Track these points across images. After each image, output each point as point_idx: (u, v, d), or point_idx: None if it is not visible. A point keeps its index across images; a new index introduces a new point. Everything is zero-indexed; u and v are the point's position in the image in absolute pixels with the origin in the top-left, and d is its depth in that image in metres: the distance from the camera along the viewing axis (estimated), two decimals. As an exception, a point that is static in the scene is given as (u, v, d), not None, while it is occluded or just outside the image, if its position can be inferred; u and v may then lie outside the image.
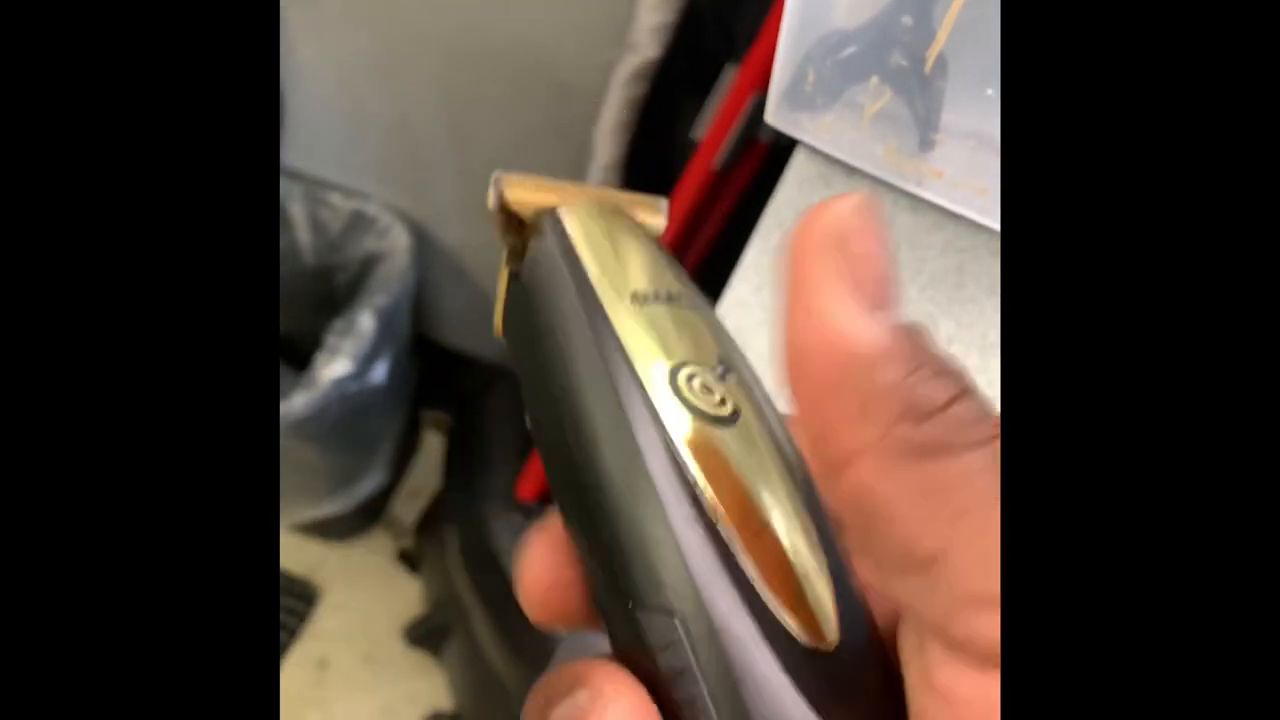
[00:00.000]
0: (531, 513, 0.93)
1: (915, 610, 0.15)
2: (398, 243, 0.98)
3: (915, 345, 0.15)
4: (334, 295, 1.02)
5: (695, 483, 0.16)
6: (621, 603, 0.16)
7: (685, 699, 0.16)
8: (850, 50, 0.28)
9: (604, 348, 0.17)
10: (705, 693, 0.16)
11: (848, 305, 0.15)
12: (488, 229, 1.04)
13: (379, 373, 0.94)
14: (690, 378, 0.17)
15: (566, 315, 0.18)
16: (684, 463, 0.16)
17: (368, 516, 1.10)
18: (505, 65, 0.86)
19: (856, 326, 0.15)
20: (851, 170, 0.42)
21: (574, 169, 0.86)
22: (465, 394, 1.07)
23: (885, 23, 0.28)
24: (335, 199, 0.99)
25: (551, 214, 0.19)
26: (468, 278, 1.04)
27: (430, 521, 1.06)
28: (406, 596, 1.08)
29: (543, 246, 0.19)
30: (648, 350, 0.17)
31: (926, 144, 0.28)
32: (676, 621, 0.16)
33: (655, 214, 0.21)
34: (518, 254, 0.19)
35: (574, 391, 0.17)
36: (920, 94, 0.27)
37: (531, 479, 0.90)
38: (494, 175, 0.19)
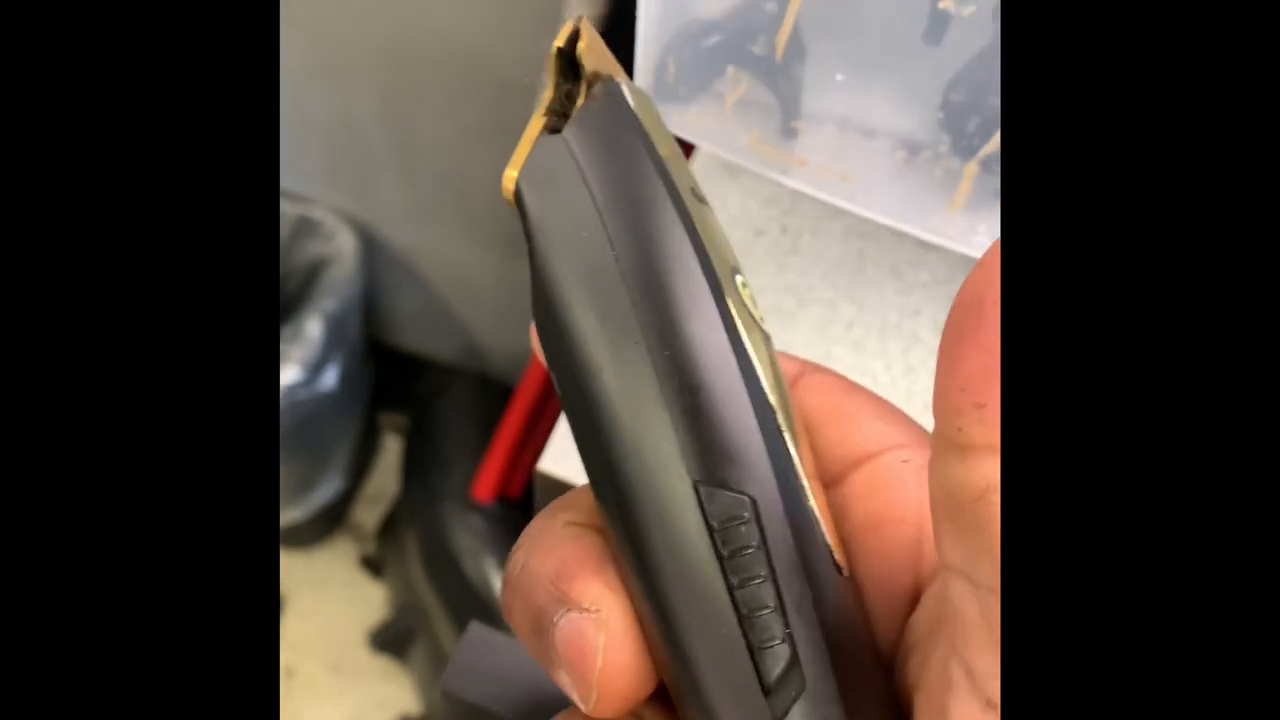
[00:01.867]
0: (489, 514, 0.93)
1: (973, 638, 0.13)
2: (345, 246, 0.97)
3: None
4: (281, 302, 1.01)
5: (763, 383, 0.16)
6: (681, 476, 0.15)
7: (742, 579, 0.15)
8: (714, 39, 0.28)
9: (688, 232, 0.16)
10: (771, 572, 0.15)
11: None
12: (437, 230, 1.04)
13: (329, 378, 0.93)
14: (743, 285, 0.17)
15: (643, 186, 0.16)
16: (751, 360, 0.16)
17: (329, 523, 1.10)
18: (443, 64, 0.86)
19: None
20: (753, 158, 0.42)
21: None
22: (421, 396, 1.07)
23: (748, 10, 0.28)
24: (280, 204, 0.98)
25: (613, 81, 0.17)
26: (419, 279, 1.04)
27: (391, 526, 1.06)
28: (371, 602, 1.08)
29: (603, 109, 0.17)
30: (717, 246, 0.16)
31: (789, 132, 0.28)
32: (748, 499, 0.15)
33: None
34: (558, 110, 0.18)
35: (649, 269, 0.16)
36: (779, 81, 0.27)
37: (487, 479, 0.90)
38: (576, 15, 0.18)
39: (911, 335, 0.38)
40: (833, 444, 0.18)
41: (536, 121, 0.17)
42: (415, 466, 1.01)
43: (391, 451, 1.16)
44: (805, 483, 0.16)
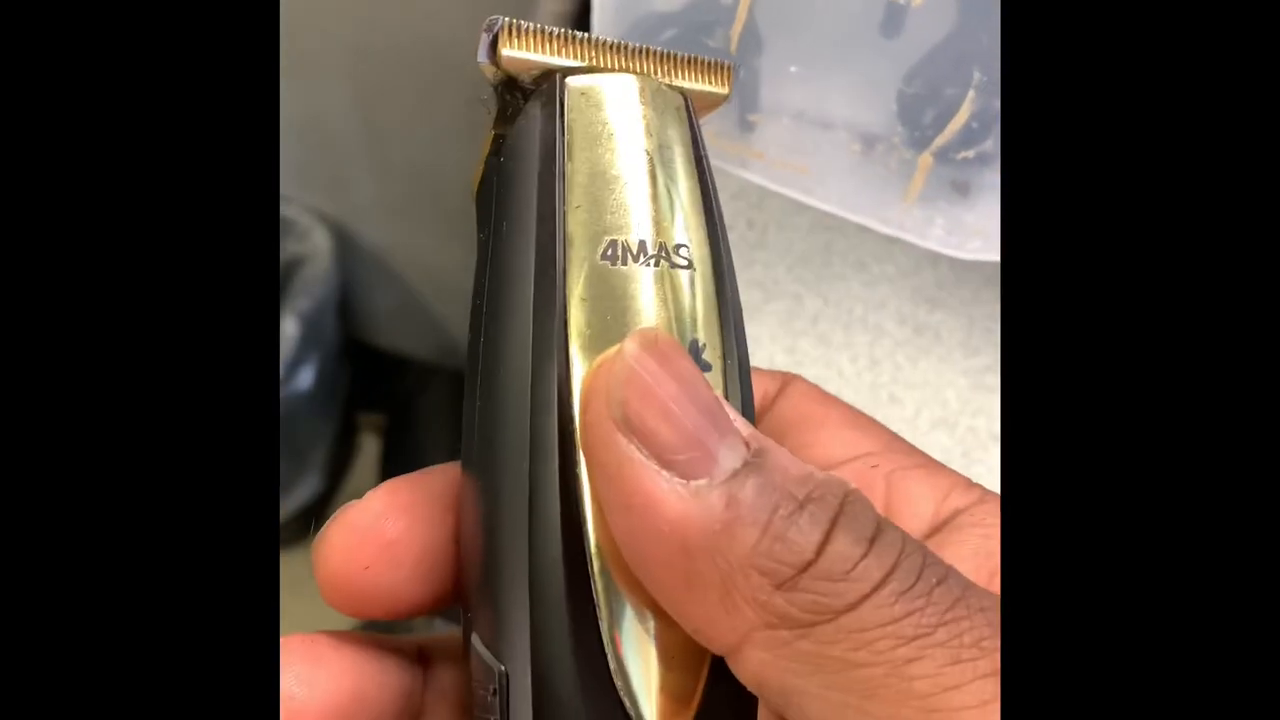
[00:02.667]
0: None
1: None
2: (319, 245, 0.96)
3: (763, 485, 0.12)
4: (256, 302, 1.00)
5: (584, 519, 0.14)
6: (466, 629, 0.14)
7: None
8: (670, 33, 0.28)
9: (543, 314, 0.14)
10: None
11: (660, 487, 0.12)
12: (412, 228, 1.04)
13: (305, 378, 0.93)
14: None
15: (521, 255, 0.14)
16: (579, 488, 0.13)
17: (307, 524, 1.09)
18: (413, 61, 0.85)
19: (680, 507, 0.12)
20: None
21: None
22: (399, 395, 1.07)
23: (705, 3, 0.28)
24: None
25: (553, 85, 0.14)
26: (395, 277, 1.03)
27: (370, 525, 1.05)
28: (351, 602, 1.07)
29: (526, 136, 0.14)
30: (586, 336, 0.14)
31: (746, 125, 0.28)
32: (501, 671, 0.13)
33: (714, 83, 0.16)
34: (506, 117, 0.15)
35: (501, 371, 0.14)
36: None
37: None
38: (488, 20, 0.15)
39: (877, 328, 0.39)
40: (801, 448, 0.17)
41: (488, 138, 0.16)
42: (394, 466, 1.01)
43: (370, 451, 1.15)
44: (611, 654, 0.14)
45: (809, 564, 0.12)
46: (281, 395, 0.90)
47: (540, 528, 0.13)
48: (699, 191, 0.15)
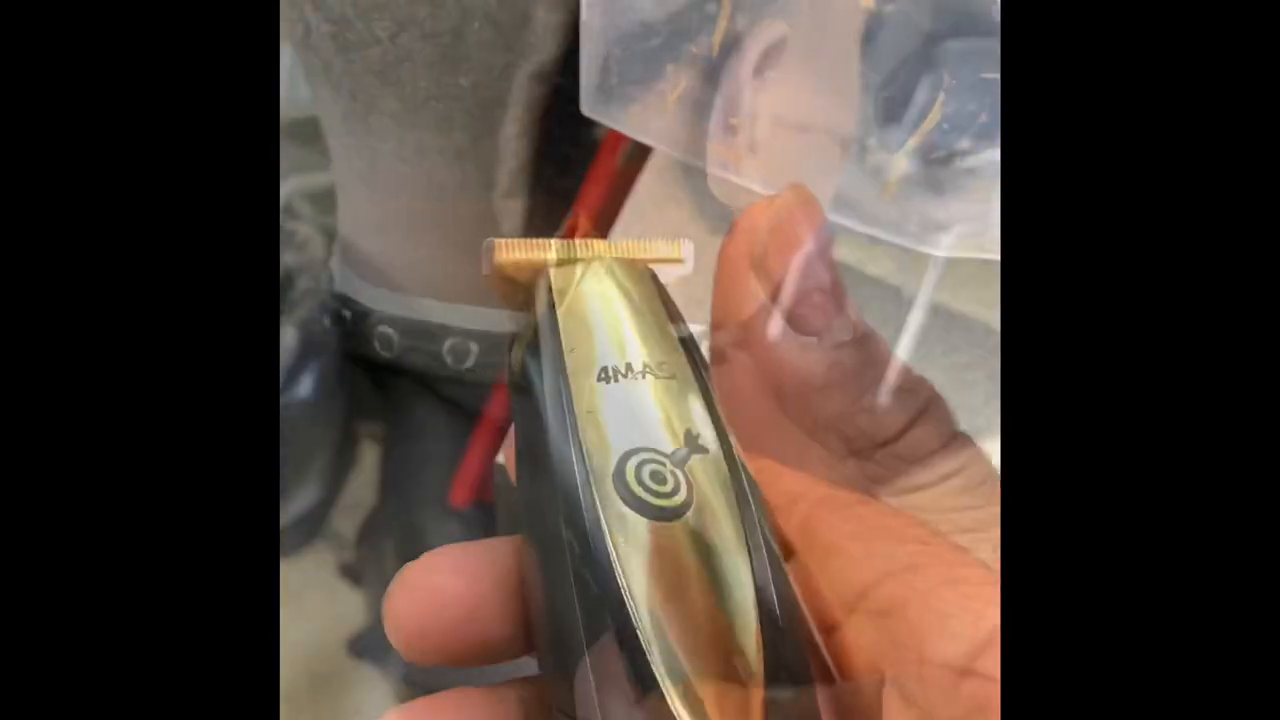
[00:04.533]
0: (466, 519, 0.93)
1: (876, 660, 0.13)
2: (317, 256, 0.97)
3: (865, 362, 0.13)
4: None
5: (629, 601, 0.16)
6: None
7: None
8: (656, 40, 0.29)
9: (562, 435, 0.17)
10: None
11: (775, 331, 0.14)
12: (406, 238, 1.03)
13: (305, 387, 0.94)
14: (640, 465, 0.17)
15: (541, 394, 0.18)
16: (620, 577, 0.16)
17: (308, 531, 1.10)
18: (410, 74, 0.86)
19: (788, 356, 0.14)
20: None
21: (484, 173, 0.86)
22: (398, 405, 1.07)
23: (690, 12, 0.29)
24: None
25: (544, 275, 0.19)
26: (393, 288, 1.04)
27: (370, 534, 1.06)
28: (350, 610, 1.08)
29: (533, 314, 0.19)
30: (598, 438, 0.17)
31: (728, 128, 0.29)
32: None
33: (669, 253, 0.20)
34: (517, 307, 0.20)
35: (540, 476, 0.17)
36: (718, 79, 0.29)
37: (462, 484, 0.90)
38: (485, 242, 0.19)
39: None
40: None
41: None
42: (393, 475, 1.01)
43: (369, 460, 1.16)
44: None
45: (889, 442, 0.13)
46: (282, 403, 0.91)
47: (588, 611, 0.16)
48: (667, 323, 0.19)
